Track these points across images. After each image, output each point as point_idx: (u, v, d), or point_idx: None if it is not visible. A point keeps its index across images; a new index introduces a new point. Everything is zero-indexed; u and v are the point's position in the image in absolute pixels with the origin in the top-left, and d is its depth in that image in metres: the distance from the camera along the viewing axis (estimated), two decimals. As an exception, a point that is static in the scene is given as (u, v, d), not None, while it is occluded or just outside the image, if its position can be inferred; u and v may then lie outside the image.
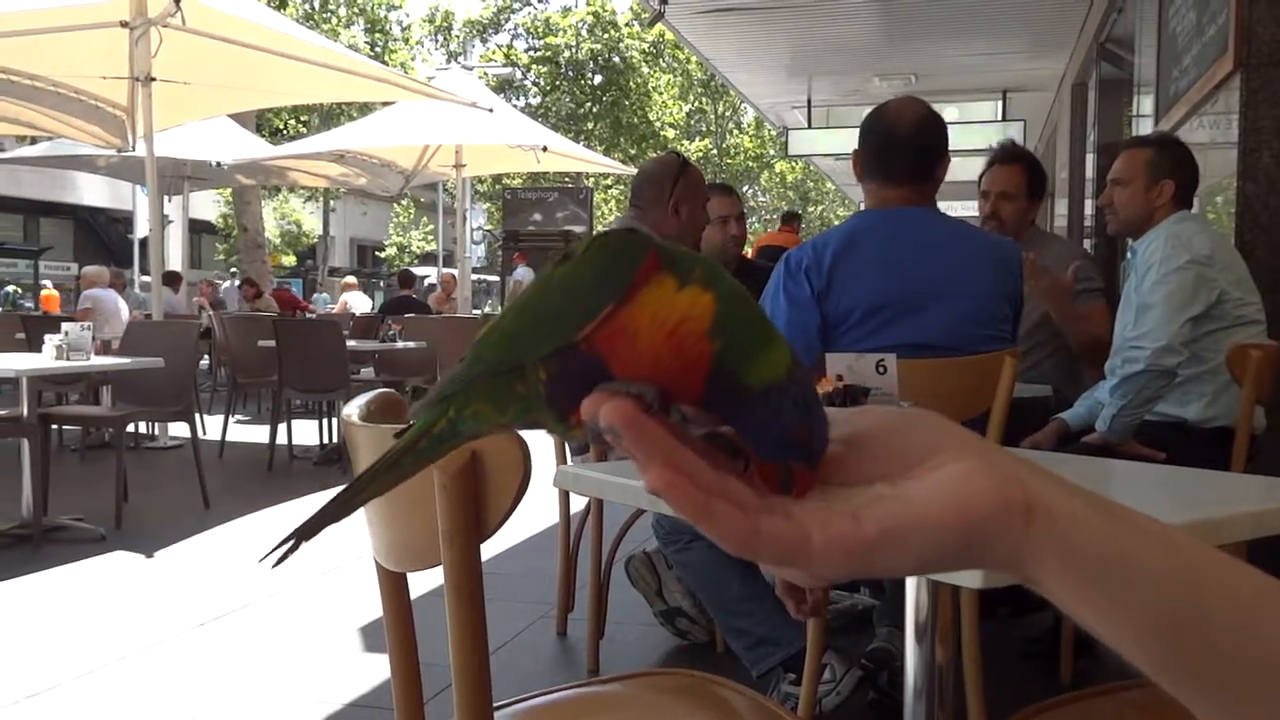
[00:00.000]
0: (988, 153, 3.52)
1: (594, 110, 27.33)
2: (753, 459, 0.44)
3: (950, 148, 2.33)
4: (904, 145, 2.26)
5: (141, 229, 19.46)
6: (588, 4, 27.86)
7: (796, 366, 0.44)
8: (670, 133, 28.20)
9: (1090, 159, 7.79)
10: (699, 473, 0.40)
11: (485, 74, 24.89)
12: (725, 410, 0.44)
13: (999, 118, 10.42)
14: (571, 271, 0.46)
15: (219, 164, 11.21)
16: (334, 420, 7.01)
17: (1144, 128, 5.74)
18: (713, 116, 30.48)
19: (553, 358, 0.45)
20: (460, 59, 28.18)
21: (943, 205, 2.96)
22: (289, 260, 30.65)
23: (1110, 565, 0.40)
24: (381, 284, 31.86)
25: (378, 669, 2.91)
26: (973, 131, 9.70)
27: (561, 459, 3.00)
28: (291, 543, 0.53)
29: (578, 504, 3.11)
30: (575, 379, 0.44)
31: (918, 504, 0.40)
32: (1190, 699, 0.41)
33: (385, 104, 10.94)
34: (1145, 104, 5.80)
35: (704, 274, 0.44)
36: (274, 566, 0.55)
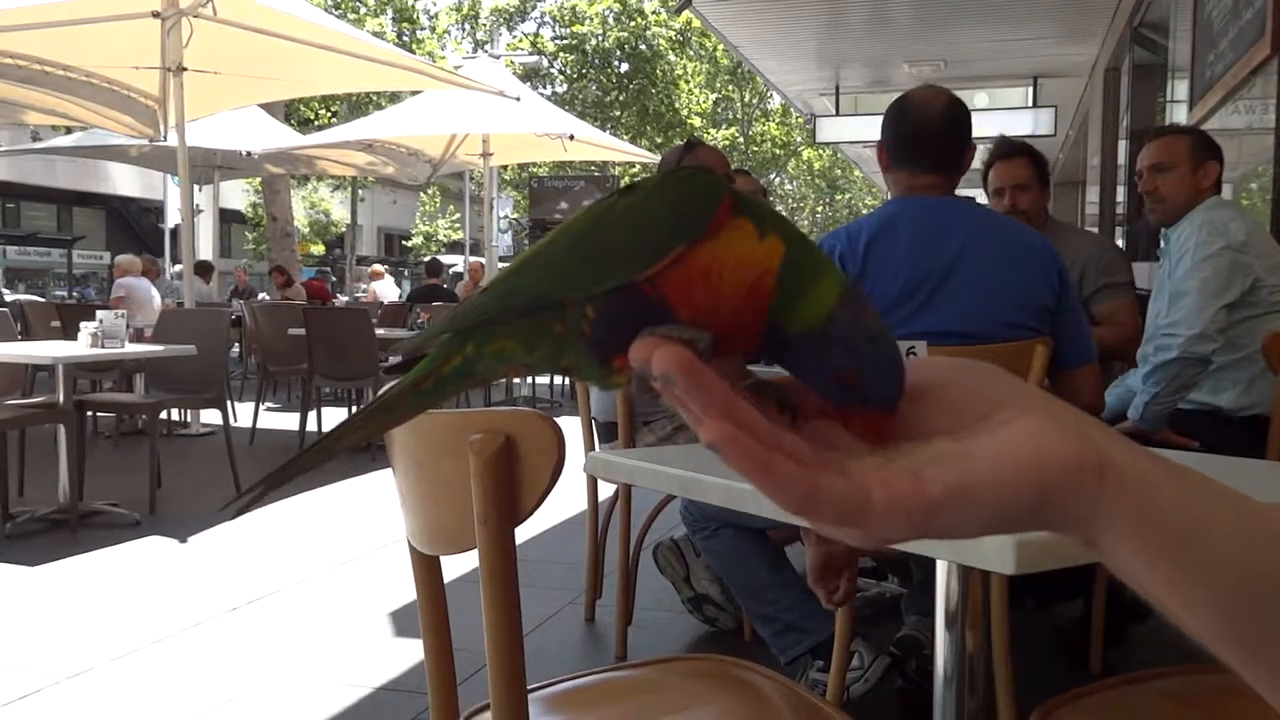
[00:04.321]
0: None
1: (620, 98, 27.26)
2: (828, 408, 0.41)
3: (979, 135, 2.32)
4: (935, 134, 2.25)
5: (172, 218, 19.63)
6: (613, -8, 27.80)
7: (845, 305, 0.41)
8: (697, 120, 28.09)
9: (1123, 145, 7.69)
10: (756, 426, 0.37)
11: (512, 62, 24.90)
12: (774, 358, 0.42)
13: (1029, 104, 10.30)
14: (639, 205, 0.43)
15: (249, 153, 11.30)
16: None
17: (1178, 113, 5.66)
18: (739, 104, 30.32)
19: (606, 296, 0.42)
20: (487, 48, 28.20)
21: (966, 194, 2.93)
22: (317, 249, 30.86)
23: (1184, 530, 0.37)
24: (408, 272, 32.01)
25: (408, 653, 2.94)
26: (1003, 118, 9.59)
27: (590, 445, 3.01)
28: (260, 489, 0.50)
29: (605, 491, 3.12)
30: (628, 321, 0.40)
31: (985, 463, 0.37)
32: (1260, 677, 0.38)
33: (413, 93, 10.98)
34: (1179, 89, 5.72)
35: (777, 222, 0.42)
36: (234, 516, 0.53)
